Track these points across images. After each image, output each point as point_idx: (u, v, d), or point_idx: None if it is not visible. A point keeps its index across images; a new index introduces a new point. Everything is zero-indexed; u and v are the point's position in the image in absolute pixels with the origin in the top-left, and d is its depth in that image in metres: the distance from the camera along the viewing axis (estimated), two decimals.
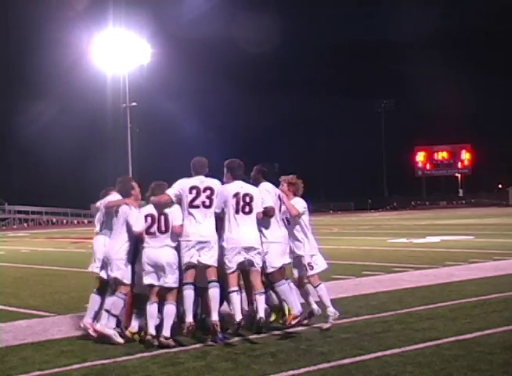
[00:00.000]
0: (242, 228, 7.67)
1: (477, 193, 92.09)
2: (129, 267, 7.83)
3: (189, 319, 7.46)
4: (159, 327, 7.48)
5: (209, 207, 7.70)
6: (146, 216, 7.71)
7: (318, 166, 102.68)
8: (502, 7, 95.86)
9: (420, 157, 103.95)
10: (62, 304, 10.74)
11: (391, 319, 8.51)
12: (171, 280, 7.58)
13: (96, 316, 8.00)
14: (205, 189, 7.72)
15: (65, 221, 68.99)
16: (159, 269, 7.59)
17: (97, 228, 8.50)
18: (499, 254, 16.61)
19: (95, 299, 8.07)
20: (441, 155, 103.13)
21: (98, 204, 8.61)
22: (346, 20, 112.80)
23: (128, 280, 7.79)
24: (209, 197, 7.71)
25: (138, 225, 7.70)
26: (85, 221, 65.87)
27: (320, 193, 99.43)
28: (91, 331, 7.85)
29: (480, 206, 79.31)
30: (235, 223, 7.69)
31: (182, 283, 7.66)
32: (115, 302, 7.72)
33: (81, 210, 69.11)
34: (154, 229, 7.68)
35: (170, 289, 7.61)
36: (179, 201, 7.76)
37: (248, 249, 7.64)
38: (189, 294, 7.54)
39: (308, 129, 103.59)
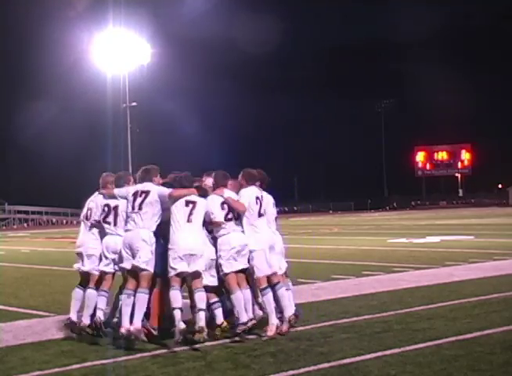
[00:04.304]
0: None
1: (477, 193, 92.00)
2: None
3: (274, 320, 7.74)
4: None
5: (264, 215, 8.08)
6: (222, 203, 7.79)
7: (318, 166, 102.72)
8: (503, 7, 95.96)
9: (420, 157, 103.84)
10: (62, 304, 10.72)
11: (391, 319, 8.51)
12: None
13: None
14: (263, 198, 8.13)
15: (65, 221, 68.94)
16: (243, 251, 7.75)
17: (145, 221, 7.61)
18: (499, 254, 16.61)
19: (146, 299, 7.51)
20: (441, 155, 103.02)
21: (123, 191, 7.92)
22: (346, 20, 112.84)
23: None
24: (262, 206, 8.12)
25: (221, 214, 7.75)
26: None
27: (320, 193, 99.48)
28: (143, 336, 7.40)
29: (480, 206, 79.26)
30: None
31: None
32: (203, 297, 7.51)
33: (80, 210, 68.92)
34: (232, 215, 7.83)
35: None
36: None
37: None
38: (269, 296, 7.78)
39: (307, 129, 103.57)
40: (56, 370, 6.61)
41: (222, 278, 7.75)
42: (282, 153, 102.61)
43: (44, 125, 70.19)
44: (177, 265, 7.48)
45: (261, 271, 7.82)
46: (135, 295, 7.52)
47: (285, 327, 7.78)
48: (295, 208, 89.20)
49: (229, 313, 7.80)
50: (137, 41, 54.48)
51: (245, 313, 7.56)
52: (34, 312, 10.06)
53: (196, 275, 7.57)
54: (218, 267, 7.73)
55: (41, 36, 70.65)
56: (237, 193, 8.04)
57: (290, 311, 7.89)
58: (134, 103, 54.82)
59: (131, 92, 54.97)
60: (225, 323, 7.58)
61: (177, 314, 7.34)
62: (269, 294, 7.79)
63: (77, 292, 8.16)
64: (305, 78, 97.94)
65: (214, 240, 7.86)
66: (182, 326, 7.27)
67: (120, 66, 54.24)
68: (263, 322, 7.96)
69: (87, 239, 8.26)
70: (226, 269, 7.64)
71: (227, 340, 7.52)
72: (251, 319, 7.58)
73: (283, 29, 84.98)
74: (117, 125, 55.66)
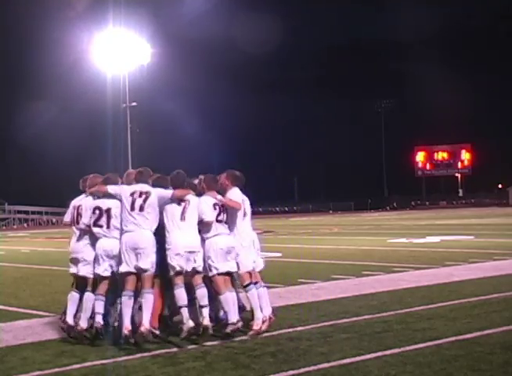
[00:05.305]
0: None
1: (477, 193, 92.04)
2: None
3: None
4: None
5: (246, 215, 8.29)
6: (214, 205, 7.82)
7: (318, 166, 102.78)
8: (501, 7, 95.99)
9: (420, 157, 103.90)
10: (62, 304, 10.68)
11: (391, 319, 8.51)
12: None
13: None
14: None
15: None
16: (230, 254, 7.79)
17: (148, 222, 7.61)
18: (499, 254, 16.60)
19: (152, 299, 7.54)
20: (441, 155, 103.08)
21: (117, 189, 7.78)
22: (346, 20, 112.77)
23: None
24: None
25: (212, 215, 7.75)
26: None
27: (320, 193, 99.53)
28: (151, 336, 7.34)
29: (480, 206, 79.30)
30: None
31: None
32: (204, 293, 7.59)
33: None
34: (222, 217, 7.85)
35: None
36: None
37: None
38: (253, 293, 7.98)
39: (307, 129, 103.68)
40: (56, 370, 6.60)
41: (210, 279, 7.80)
42: (282, 153, 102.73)
43: (44, 125, 70.24)
44: (176, 263, 7.54)
45: (245, 267, 7.95)
46: (135, 296, 7.53)
47: (264, 326, 7.87)
48: (295, 208, 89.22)
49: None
50: (137, 41, 54.45)
51: (234, 314, 7.62)
52: (34, 312, 10.06)
53: (196, 272, 7.65)
54: (206, 268, 7.75)
55: (41, 36, 70.75)
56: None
57: (268, 310, 8.01)
58: (134, 103, 54.78)
59: (131, 92, 54.91)
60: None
61: (184, 312, 7.42)
62: (253, 290, 7.92)
63: (74, 295, 7.94)
64: (305, 78, 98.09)
65: (202, 242, 7.88)
66: (191, 324, 7.34)
67: (120, 66, 54.19)
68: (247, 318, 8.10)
69: (80, 244, 7.98)
70: (215, 270, 7.69)
71: (227, 340, 7.53)
72: (239, 320, 7.63)
73: (282, 29, 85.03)
74: (117, 125, 55.62)
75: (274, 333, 7.84)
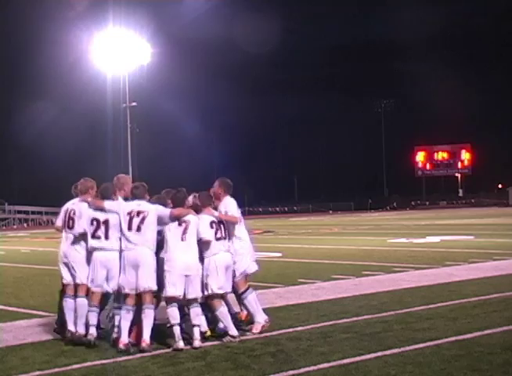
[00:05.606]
0: None
1: (477, 193, 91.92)
2: None
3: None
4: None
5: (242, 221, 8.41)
6: (211, 223, 7.78)
7: (318, 166, 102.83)
8: (502, 7, 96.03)
9: (420, 157, 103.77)
10: None
11: (391, 319, 8.52)
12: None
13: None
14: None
15: None
16: (228, 271, 7.82)
17: (146, 240, 7.53)
18: (499, 254, 16.60)
19: (153, 314, 7.50)
20: (441, 155, 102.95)
21: (115, 206, 7.67)
22: (346, 20, 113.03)
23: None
24: None
25: (211, 234, 7.74)
26: None
27: (320, 193, 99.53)
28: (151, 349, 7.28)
29: (480, 206, 79.26)
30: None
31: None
32: (198, 312, 7.56)
33: None
34: (220, 234, 7.81)
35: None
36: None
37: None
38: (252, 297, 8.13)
39: (307, 129, 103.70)
40: (56, 370, 6.61)
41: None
42: (282, 153, 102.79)
43: (44, 125, 70.31)
44: (173, 287, 7.47)
45: (241, 274, 8.01)
46: (134, 311, 7.48)
47: (262, 330, 7.91)
48: (295, 208, 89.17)
49: (211, 322, 7.86)
50: (137, 41, 54.45)
51: (233, 327, 7.61)
52: (34, 312, 10.06)
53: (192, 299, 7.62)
54: (204, 286, 7.67)
55: (41, 36, 70.82)
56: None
57: (263, 314, 8.06)
58: (134, 103, 54.77)
59: (131, 92, 54.90)
60: (209, 332, 7.67)
61: (176, 331, 7.35)
62: (249, 297, 7.97)
63: (69, 302, 7.78)
64: (305, 78, 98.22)
65: (201, 260, 7.81)
66: (181, 346, 7.25)
67: (120, 66, 54.19)
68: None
69: (72, 250, 7.83)
70: (211, 290, 7.63)
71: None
72: (239, 335, 7.60)
73: (283, 29, 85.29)
74: (117, 125, 55.65)
75: (274, 333, 7.84)
